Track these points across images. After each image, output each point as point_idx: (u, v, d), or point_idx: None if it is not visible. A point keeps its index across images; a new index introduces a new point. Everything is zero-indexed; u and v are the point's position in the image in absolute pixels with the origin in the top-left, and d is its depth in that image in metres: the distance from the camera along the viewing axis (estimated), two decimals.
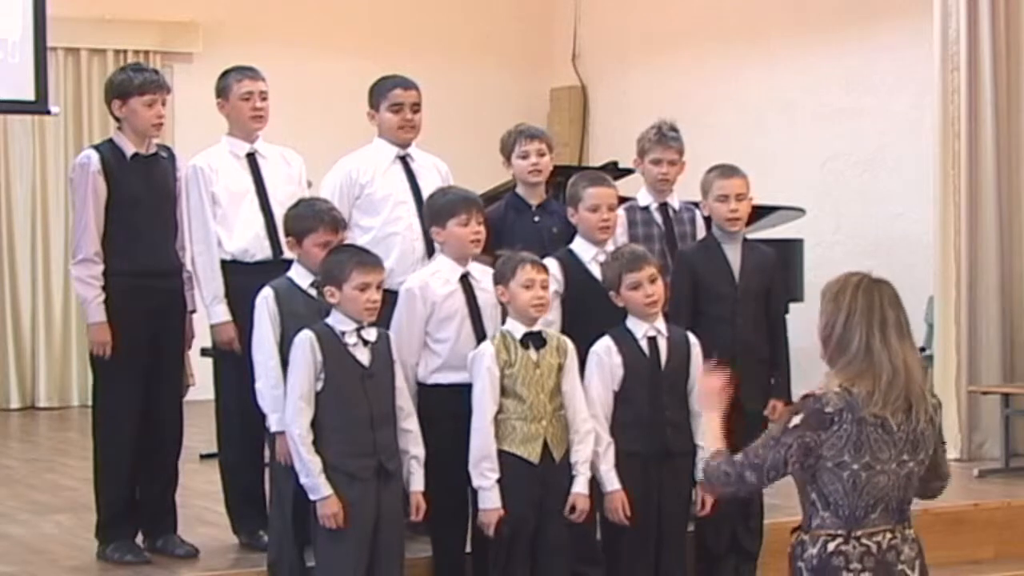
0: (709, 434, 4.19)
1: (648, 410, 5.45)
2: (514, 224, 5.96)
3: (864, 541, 3.86)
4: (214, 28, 11.25)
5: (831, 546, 3.86)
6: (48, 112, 8.90)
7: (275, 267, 5.75)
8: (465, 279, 5.54)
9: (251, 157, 6.09)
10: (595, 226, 5.79)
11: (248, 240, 5.99)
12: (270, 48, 10.35)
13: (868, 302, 3.87)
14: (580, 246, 5.84)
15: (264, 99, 6.10)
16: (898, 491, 3.89)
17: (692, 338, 5.57)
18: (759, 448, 3.91)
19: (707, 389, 4.30)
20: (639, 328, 5.48)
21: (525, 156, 6.07)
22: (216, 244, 5.97)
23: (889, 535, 3.88)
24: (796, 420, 3.86)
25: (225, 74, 6.15)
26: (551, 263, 5.68)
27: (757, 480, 3.92)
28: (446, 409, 5.37)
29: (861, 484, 3.84)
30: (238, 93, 6.07)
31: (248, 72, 6.12)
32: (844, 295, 3.89)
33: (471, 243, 5.53)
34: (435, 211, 5.61)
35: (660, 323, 5.51)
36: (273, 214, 5.96)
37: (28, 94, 8.36)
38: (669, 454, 5.46)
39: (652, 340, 5.49)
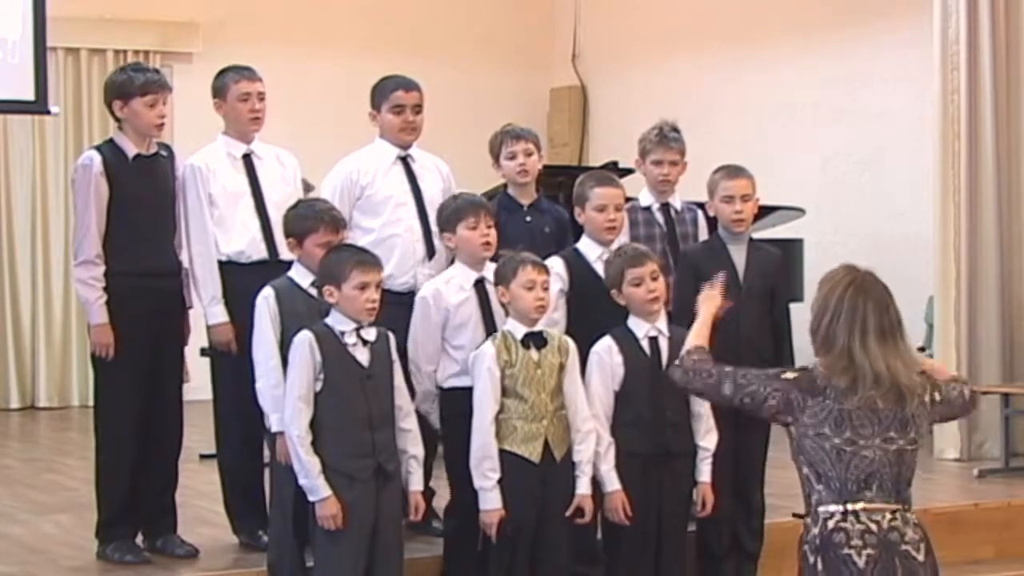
0: (695, 328, 4.40)
1: (649, 410, 5.45)
2: (506, 224, 5.94)
3: (863, 519, 3.89)
4: (214, 28, 11.24)
5: (831, 523, 3.91)
6: (48, 112, 8.89)
7: (272, 267, 5.75)
8: (480, 284, 5.55)
9: (247, 158, 6.08)
10: (602, 226, 5.79)
11: (245, 243, 5.98)
12: (270, 48, 10.34)
13: (852, 307, 3.97)
14: (586, 245, 5.84)
15: (262, 100, 6.08)
16: (890, 468, 3.93)
17: None
18: (749, 373, 4.06)
19: (706, 294, 4.60)
20: (640, 328, 5.48)
21: (512, 157, 6.07)
22: (214, 244, 5.96)
23: (889, 515, 3.91)
24: (790, 374, 4.02)
25: (222, 74, 6.12)
26: (557, 262, 5.69)
27: (731, 394, 4.07)
28: (462, 410, 5.37)
29: (847, 457, 3.91)
30: (236, 93, 6.05)
31: (245, 72, 6.10)
32: (832, 296, 4.01)
33: (481, 246, 5.55)
34: (444, 218, 5.66)
35: (662, 323, 5.51)
36: (268, 216, 5.96)
37: (28, 94, 8.35)
38: (669, 454, 5.46)
39: (653, 340, 5.48)
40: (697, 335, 4.37)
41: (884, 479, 3.91)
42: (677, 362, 4.29)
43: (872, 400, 3.91)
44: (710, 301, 4.69)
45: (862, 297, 3.97)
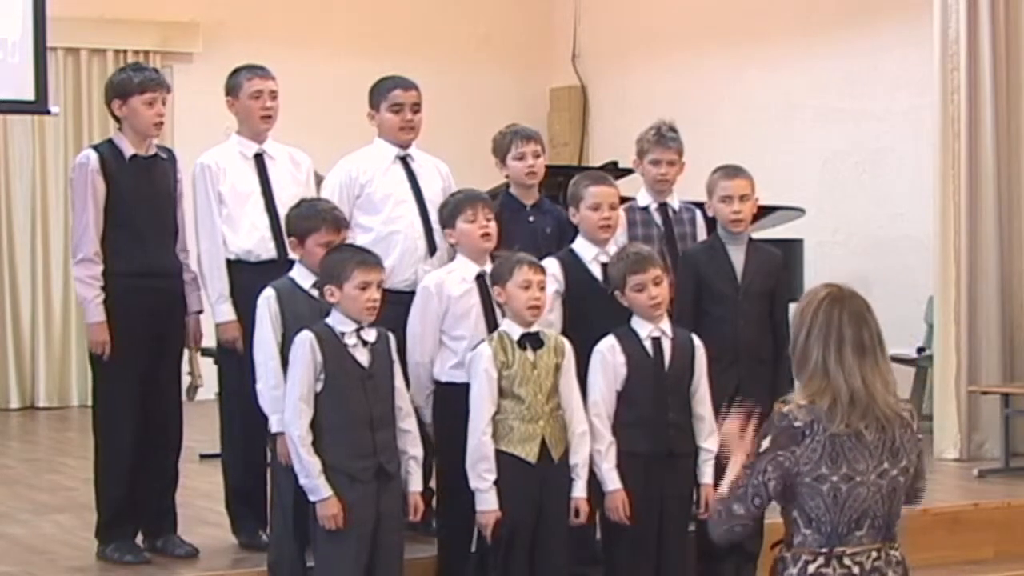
0: (726, 480, 4.00)
1: (651, 411, 5.45)
2: (509, 224, 5.96)
3: (846, 562, 3.77)
4: (214, 28, 11.25)
5: (811, 568, 3.77)
6: (48, 112, 8.90)
7: (280, 267, 5.75)
8: (481, 278, 5.56)
9: (259, 157, 6.09)
10: (596, 225, 5.79)
11: (254, 242, 5.99)
12: (270, 48, 10.27)
13: (827, 319, 3.81)
14: (581, 246, 5.84)
15: (274, 98, 6.10)
16: (883, 504, 3.80)
17: (696, 340, 5.56)
18: (739, 479, 3.84)
19: (728, 433, 4.06)
20: (644, 328, 5.48)
21: (521, 157, 6.08)
22: (222, 242, 5.97)
23: (874, 555, 3.80)
24: (766, 443, 3.80)
25: (235, 72, 6.15)
26: (552, 263, 5.69)
27: (745, 511, 3.82)
28: (458, 410, 5.38)
29: (843, 497, 3.76)
30: (248, 92, 6.07)
31: (258, 71, 6.12)
32: (808, 311, 3.85)
33: (481, 238, 5.57)
34: (445, 215, 5.70)
35: (665, 324, 5.51)
36: (278, 215, 5.96)
37: (28, 94, 8.36)
38: (671, 455, 5.46)
39: (656, 341, 5.48)
40: (725, 485, 3.95)
41: (876, 517, 3.79)
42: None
43: (856, 428, 3.75)
44: (740, 446, 3.99)
45: (837, 309, 3.82)
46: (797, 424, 3.77)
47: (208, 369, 6.35)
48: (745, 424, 3.97)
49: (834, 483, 3.76)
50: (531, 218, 6.10)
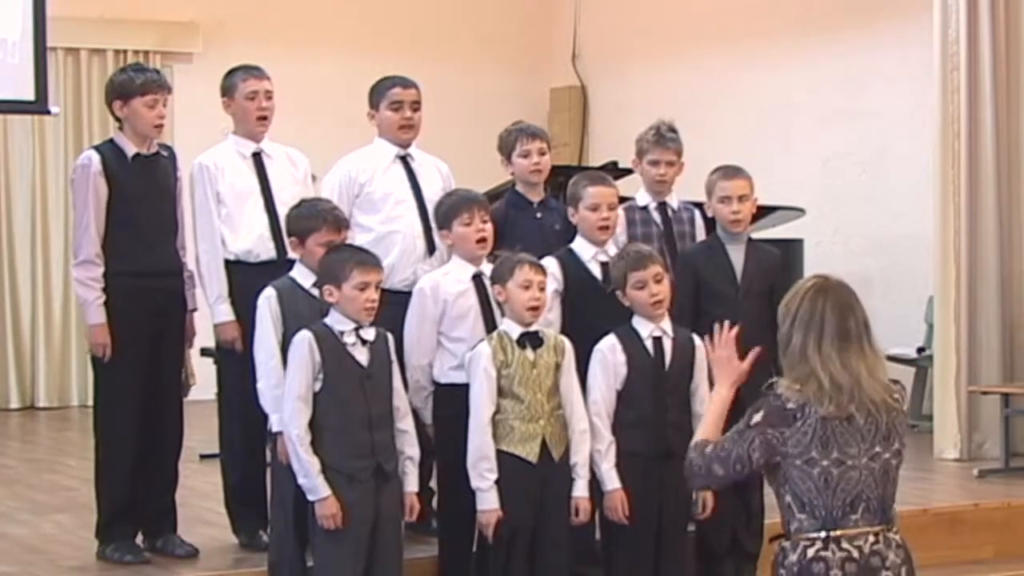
0: (706, 417, 4.09)
1: (651, 410, 5.45)
2: (516, 221, 5.98)
3: (845, 545, 3.80)
4: (214, 28, 11.25)
5: (811, 552, 3.80)
6: (48, 112, 8.89)
7: (279, 267, 5.75)
8: (478, 278, 5.56)
9: (257, 157, 6.09)
10: (595, 225, 5.80)
11: (252, 241, 5.99)
12: (270, 48, 10.32)
13: (810, 308, 3.87)
14: (580, 245, 5.84)
15: (269, 98, 6.10)
16: (876, 487, 3.84)
17: (697, 340, 5.56)
18: (726, 442, 3.92)
19: (718, 359, 4.16)
20: (645, 328, 5.48)
21: (527, 155, 6.08)
22: (220, 243, 5.97)
23: (872, 538, 3.82)
24: (757, 417, 3.87)
25: (231, 73, 6.15)
26: (551, 262, 5.69)
27: (724, 473, 3.91)
28: (458, 411, 5.38)
29: (833, 481, 3.80)
30: (243, 92, 6.07)
31: (254, 71, 6.13)
32: (794, 301, 3.92)
33: (477, 242, 5.55)
34: (440, 216, 5.68)
35: (666, 323, 5.51)
36: (278, 215, 5.96)
37: (28, 94, 8.35)
38: (670, 455, 5.45)
39: (657, 340, 5.48)
40: (705, 426, 4.05)
41: (870, 500, 3.82)
42: (685, 463, 4.04)
43: (847, 412, 3.80)
44: (731, 372, 4.12)
45: (821, 299, 3.87)
46: (790, 406, 3.83)
47: (208, 369, 6.33)
48: (735, 350, 4.11)
49: (824, 467, 3.81)
50: (538, 214, 6.11)
